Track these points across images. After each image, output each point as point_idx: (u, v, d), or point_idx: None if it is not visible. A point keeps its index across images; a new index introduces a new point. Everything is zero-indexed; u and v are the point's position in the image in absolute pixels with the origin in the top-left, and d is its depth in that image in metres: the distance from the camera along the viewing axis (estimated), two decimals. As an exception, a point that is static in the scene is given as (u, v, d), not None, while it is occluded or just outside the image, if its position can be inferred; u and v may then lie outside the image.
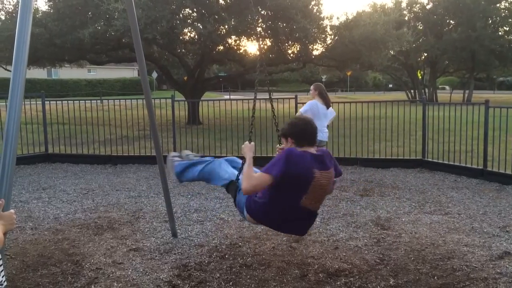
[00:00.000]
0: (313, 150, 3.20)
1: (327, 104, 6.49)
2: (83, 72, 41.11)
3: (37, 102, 9.80)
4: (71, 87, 41.00)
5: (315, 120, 6.09)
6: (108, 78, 45.05)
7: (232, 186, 3.56)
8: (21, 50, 2.22)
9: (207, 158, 3.95)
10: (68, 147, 9.71)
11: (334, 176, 3.28)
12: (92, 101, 11.27)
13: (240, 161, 3.69)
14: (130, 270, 3.93)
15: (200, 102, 16.46)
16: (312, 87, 6.51)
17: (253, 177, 3.05)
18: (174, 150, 9.32)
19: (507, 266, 3.91)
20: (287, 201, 3.12)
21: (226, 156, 9.43)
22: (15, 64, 2.22)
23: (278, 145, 3.66)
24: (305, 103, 6.61)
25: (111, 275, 3.81)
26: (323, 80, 51.77)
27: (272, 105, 4.06)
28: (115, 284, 3.65)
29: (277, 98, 9.99)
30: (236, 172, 3.62)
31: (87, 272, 3.87)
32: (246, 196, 3.31)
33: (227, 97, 33.57)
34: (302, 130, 3.20)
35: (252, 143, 3.47)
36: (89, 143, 9.77)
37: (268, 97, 4.25)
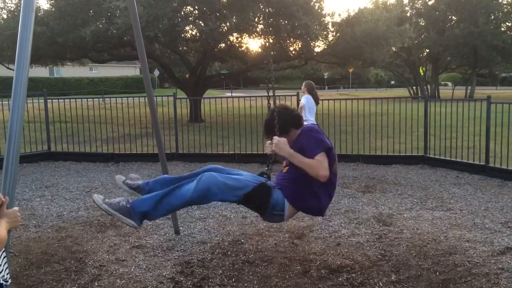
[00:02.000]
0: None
1: (316, 100, 7.83)
2: (85, 71, 41.13)
3: (40, 100, 9.84)
4: (73, 86, 41.04)
5: (310, 112, 7.04)
6: (110, 76, 45.09)
7: (263, 189, 3.13)
8: (24, 48, 2.24)
9: (170, 188, 3.08)
10: (70, 145, 9.75)
11: None
12: (94, 99, 11.30)
13: (224, 168, 3.39)
14: (133, 267, 3.95)
15: (202, 100, 16.47)
16: (303, 84, 7.87)
17: (318, 163, 3.04)
18: (176, 149, 9.34)
19: (509, 261, 3.91)
20: (332, 165, 3.20)
21: (228, 152, 9.40)
22: (18, 62, 2.24)
23: (269, 141, 3.38)
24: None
25: (114, 272, 3.84)
26: (325, 77, 51.77)
27: (274, 103, 3.97)
28: (118, 281, 3.68)
29: (279, 95, 10.00)
30: (248, 176, 3.28)
31: (90, 269, 3.90)
32: (280, 193, 3.17)
33: (229, 94, 33.59)
34: (293, 116, 3.37)
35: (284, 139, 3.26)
36: (91, 141, 9.81)
37: (264, 94, 4.18)
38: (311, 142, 3.13)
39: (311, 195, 3.21)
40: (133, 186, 3.38)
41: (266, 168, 3.37)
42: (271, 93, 3.59)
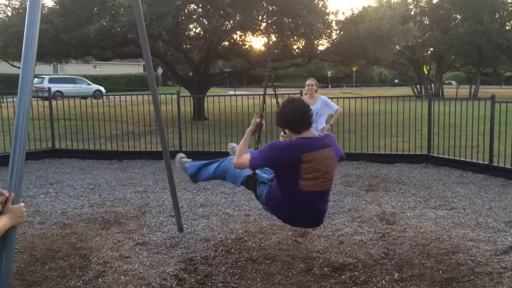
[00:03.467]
0: (311, 133, 3.22)
1: None
2: (89, 68, 41.18)
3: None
4: (77, 83, 41.10)
5: (326, 114, 6.37)
6: (114, 74, 45.17)
7: (251, 181, 3.57)
8: (30, 46, 2.25)
9: (207, 162, 4.01)
10: (74, 142, 9.78)
11: (335, 156, 3.25)
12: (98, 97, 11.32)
13: None
14: (137, 263, 3.97)
15: (206, 98, 16.48)
16: (313, 80, 6.59)
17: (241, 156, 3.30)
18: (180, 147, 9.37)
19: (512, 260, 3.92)
20: (287, 185, 3.20)
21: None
22: (24, 61, 2.25)
23: (282, 133, 3.63)
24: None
25: (118, 269, 3.86)
26: (329, 75, 51.70)
27: (277, 101, 4.03)
28: (122, 277, 3.70)
29: (282, 94, 9.99)
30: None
31: (94, 266, 3.92)
32: (266, 189, 3.45)
33: (232, 92, 33.60)
34: (292, 118, 3.16)
35: (258, 120, 3.59)
36: (95, 139, 9.84)
37: (273, 92, 4.25)
38: (260, 149, 3.33)
39: (278, 205, 3.35)
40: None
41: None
42: (270, 92, 3.66)
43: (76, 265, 3.93)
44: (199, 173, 3.98)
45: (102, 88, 32.73)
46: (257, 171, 3.55)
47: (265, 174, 3.59)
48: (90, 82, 33.78)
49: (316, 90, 6.57)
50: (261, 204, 3.65)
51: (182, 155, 4.31)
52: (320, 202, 3.32)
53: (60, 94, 25.04)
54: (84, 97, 13.83)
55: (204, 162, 4.02)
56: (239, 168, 3.43)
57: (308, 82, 6.54)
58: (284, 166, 3.14)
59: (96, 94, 26.00)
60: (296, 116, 3.15)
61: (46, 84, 27.06)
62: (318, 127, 6.06)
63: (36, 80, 27.42)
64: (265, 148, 3.21)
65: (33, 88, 2.48)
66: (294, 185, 3.15)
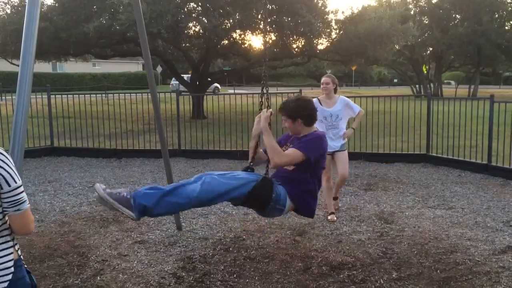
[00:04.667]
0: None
1: None
2: (88, 66, 41.10)
3: (43, 96, 9.86)
4: (76, 81, 41.08)
5: (347, 118, 5.36)
6: (113, 72, 45.12)
7: (266, 183, 3.05)
8: (29, 43, 2.25)
9: (173, 185, 2.95)
10: (73, 140, 9.77)
11: None
12: (97, 95, 11.33)
13: (219, 172, 3.13)
14: (135, 262, 3.98)
15: (205, 96, 16.48)
16: (331, 76, 5.29)
17: (283, 153, 3.12)
18: (179, 145, 9.36)
19: (510, 260, 3.92)
20: (317, 176, 3.33)
21: (230, 149, 9.38)
22: (23, 58, 2.25)
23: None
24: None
25: (116, 267, 3.86)
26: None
27: (269, 100, 3.83)
28: (121, 275, 3.70)
29: (282, 93, 9.98)
30: (245, 174, 3.14)
31: (93, 264, 3.93)
32: (283, 189, 3.13)
33: (231, 91, 33.55)
34: (312, 111, 3.33)
35: (270, 110, 3.28)
36: (94, 137, 9.83)
37: (273, 91, 4.22)
38: (307, 140, 3.22)
39: (311, 196, 3.28)
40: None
41: (250, 163, 3.36)
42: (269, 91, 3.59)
43: (74, 263, 3.93)
44: (162, 201, 2.80)
45: (218, 86, 36.94)
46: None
47: (254, 175, 3.14)
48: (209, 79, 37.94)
49: (336, 89, 5.22)
50: (274, 209, 3.13)
51: (103, 185, 2.85)
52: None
53: (218, 89, 32.93)
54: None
55: (166, 187, 2.90)
56: (283, 166, 3.18)
57: (323, 79, 5.18)
58: (324, 157, 3.35)
59: (215, 90, 32.45)
60: (313, 108, 3.35)
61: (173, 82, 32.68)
62: (340, 133, 5.10)
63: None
64: (314, 139, 3.24)
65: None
66: (320, 175, 3.36)
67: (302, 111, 3.27)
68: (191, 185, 2.88)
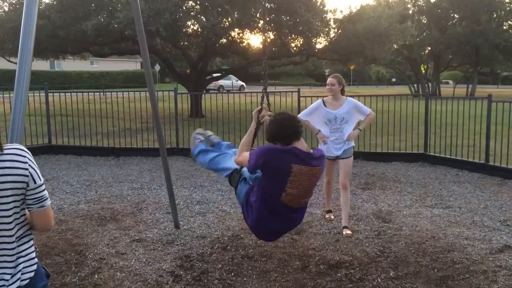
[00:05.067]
0: (302, 145, 3.08)
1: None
2: (86, 65, 41.00)
3: (40, 93, 9.84)
4: (74, 79, 40.95)
5: (355, 121, 4.91)
6: (111, 71, 44.98)
7: (235, 175, 3.47)
8: (27, 40, 2.25)
9: (224, 145, 3.92)
10: (71, 139, 9.75)
11: (319, 176, 3.15)
12: (95, 93, 11.30)
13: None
14: (133, 260, 3.97)
15: (203, 95, 16.46)
16: (337, 76, 4.94)
17: (242, 153, 3.26)
18: (177, 144, 9.36)
19: (507, 259, 3.94)
20: (270, 194, 3.03)
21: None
22: (21, 55, 2.25)
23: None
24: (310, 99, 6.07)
25: (114, 265, 3.86)
26: (326, 73, 51.68)
27: (268, 98, 3.91)
28: (118, 273, 3.70)
29: (280, 92, 9.99)
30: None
31: (90, 262, 3.92)
32: (245, 188, 3.30)
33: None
34: (279, 129, 3.06)
35: (264, 107, 3.45)
36: (92, 135, 9.81)
37: (271, 90, 4.24)
38: (257, 148, 3.13)
39: (250, 208, 3.18)
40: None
41: None
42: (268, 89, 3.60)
43: (72, 261, 3.93)
44: (199, 155, 3.88)
45: (244, 84, 41.89)
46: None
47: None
48: (237, 79, 42.42)
49: (343, 90, 4.89)
50: (238, 201, 3.52)
51: (199, 130, 4.17)
52: (294, 217, 3.21)
53: (223, 88, 35.64)
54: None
55: (208, 148, 3.91)
56: (240, 165, 3.35)
57: (328, 80, 4.86)
58: (273, 172, 2.98)
59: (241, 88, 38.90)
60: (284, 126, 3.04)
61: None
62: (344, 136, 4.78)
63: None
64: (259, 148, 3.09)
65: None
66: (277, 196, 3.01)
67: (272, 135, 3.12)
68: (212, 153, 3.81)
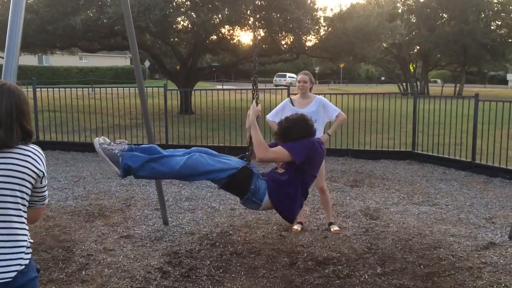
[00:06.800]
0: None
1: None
2: (75, 60, 40.65)
3: (28, 89, 9.73)
4: (63, 75, 40.57)
5: (324, 120, 4.73)
6: (100, 66, 44.67)
7: (245, 173, 3.12)
8: (14, 34, 2.22)
9: (155, 148, 3.11)
10: (59, 134, 9.67)
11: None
12: (84, 89, 11.21)
13: (214, 151, 3.26)
14: (121, 256, 3.96)
15: (193, 92, 16.40)
16: (308, 74, 4.75)
17: (270, 149, 3.18)
18: (166, 140, 9.33)
19: (492, 256, 4.00)
20: (310, 179, 3.34)
21: (218, 145, 9.35)
22: (8, 49, 2.22)
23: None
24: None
25: (102, 262, 3.84)
26: (316, 71, 51.87)
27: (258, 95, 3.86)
28: (106, 270, 3.68)
29: (270, 89, 10.01)
30: (235, 161, 3.21)
31: (78, 258, 3.90)
32: (264, 183, 3.15)
33: (220, 87, 33.45)
34: (308, 127, 3.37)
35: (260, 106, 3.38)
36: (80, 131, 9.74)
37: (262, 87, 4.23)
38: (299, 142, 3.21)
39: (290, 199, 3.19)
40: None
41: (246, 153, 3.37)
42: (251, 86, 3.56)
43: (59, 258, 3.91)
44: (146, 166, 2.97)
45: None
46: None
47: (241, 163, 3.21)
48: (290, 75, 43.92)
49: (311, 88, 4.74)
50: (250, 201, 3.16)
51: (101, 139, 3.10)
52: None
53: (291, 85, 37.78)
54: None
55: (156, 154, 3.04)
56: (272, 161, 3.33)
57: (299, 77, 4.69)
58: (317, 161, 3.32)
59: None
60: (308, 123, 3.38)
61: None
62: None
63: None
64: (303, 142, 3.22)
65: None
66: (312, 181, 3.38)
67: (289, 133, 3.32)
68: (177, 157, 3.03)
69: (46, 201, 1.96)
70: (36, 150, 1.84)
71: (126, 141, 3.20)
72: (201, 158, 3.05)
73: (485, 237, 4.49)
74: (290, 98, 4.78)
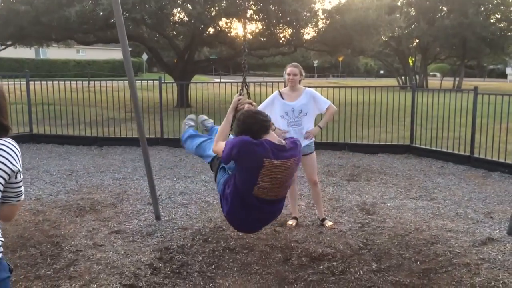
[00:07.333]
0: (273, 137, 3.04)
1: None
2: (72, 53, 40.41)
3: (22, 82, 9.61)
4: (60, 68, 40.26)
5: (314, 113, 4.61)
6: (97, 59, 44.38)
7: (215, 162, 3.48)
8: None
9: (215, 130, 3.81)
10: (53, 127, 9.56)
11: (296, 165, 3.13)
12: (79, 82, 11.07)
13: None
14: (111, 252, 3.87)
15: (190, 85, 16.27)
16: (298, 66, 4.57)
17: (218, 143, 3.20)
18: (161, 134, 9.23)
19: (490, 252, 3.91)
20: (243, 187, 3.00)
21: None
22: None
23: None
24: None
25: (91, 257, 3.75)
26: (315, 65, 51.68)
27: (247, 88, 3.98)
28: (95, 266, 3.59)
29: (267, 82, 9.89)
30: None
31: (66, 254, 3.81)
32: (223, 178, 3.27)
33: (217, 80, 33.32)
34: (246, 125, 3.03)
35: (242, 97, 3.45)
36: (75, 124, 9.62)
37: (258, 81, 4.18)
38: (230, 140, 3.11)
39: (225, 199, 3.16)
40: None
41: None
42: (250, 80, 3.56)
43: (47, 253, 3.82)
44: (187, 141, 3.90)
45: None
46: None
47: None
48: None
49: (300, 81, 4.58)
50: (217, 189, 3.43)
51: (193, 116, 4.27)
52: (270, 209, 3.17)
53: None
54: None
55: (196, 133, 3.94)
56: (216, 154, 3.32)
57: (289, 69, 4.50)
58: (245, 164, 2.94)
59: None
60: (249, 122, 3.02)
61: None
62: (303, 131, 4.44)
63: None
64: (233, 138, 3.04)
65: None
66: (249, 189, 2.97)
67: (239, 129, 3.09)
68: (201, 138, 3.81)
69: (22, 197, 1.86)
70: (12, 144, 1.78)
71: (211, 120, 4.27)
72: (209, 142, 3.60)
73: (483, 232, 4.40)
74: (279, 91, 4.60)
